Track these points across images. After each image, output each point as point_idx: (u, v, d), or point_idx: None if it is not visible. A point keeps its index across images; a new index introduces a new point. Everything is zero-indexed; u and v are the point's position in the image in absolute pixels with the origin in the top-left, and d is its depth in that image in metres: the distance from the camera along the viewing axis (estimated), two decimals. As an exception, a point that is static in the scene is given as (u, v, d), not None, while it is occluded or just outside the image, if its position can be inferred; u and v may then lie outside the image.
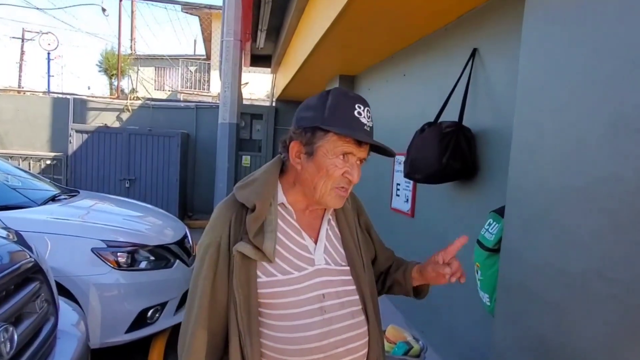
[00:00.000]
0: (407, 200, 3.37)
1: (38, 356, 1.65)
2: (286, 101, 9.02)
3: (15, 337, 1.47)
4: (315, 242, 1.23)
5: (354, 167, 1.14)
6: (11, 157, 8.39)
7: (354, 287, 1.23)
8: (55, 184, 4.74)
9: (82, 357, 1.95)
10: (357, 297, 1.23)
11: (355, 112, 1.11)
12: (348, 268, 1.24)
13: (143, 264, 3.35)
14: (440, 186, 2.75)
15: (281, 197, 1.23)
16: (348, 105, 1.12)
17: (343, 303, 1.19)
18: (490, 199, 2.35)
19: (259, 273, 1.15)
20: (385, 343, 2.14)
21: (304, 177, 1.19)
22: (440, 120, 2.58)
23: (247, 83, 15.10)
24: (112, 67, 17.08)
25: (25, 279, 1.76)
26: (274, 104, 9.87)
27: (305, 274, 1.17)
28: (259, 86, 15.77)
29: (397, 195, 3.57)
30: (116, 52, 14.27)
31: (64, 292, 2.92)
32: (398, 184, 3.56)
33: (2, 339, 1.38)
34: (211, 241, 1.20)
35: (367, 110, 1.13)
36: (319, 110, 1.13)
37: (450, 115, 2.59)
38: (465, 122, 2.47)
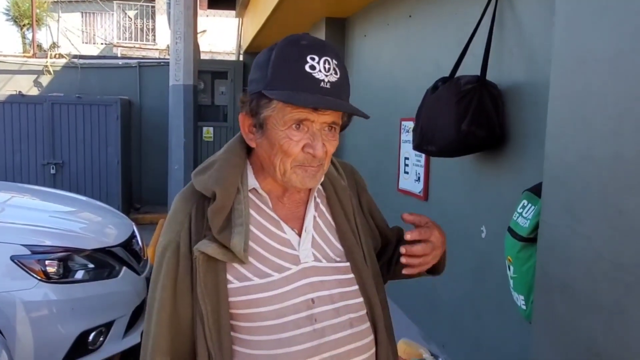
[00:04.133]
0: (419, 179, 3.40)
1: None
2: (257, 53, 8.95)
3: None
4: (300, 235, 1.24)
5: (316, 137, 1.13)
6: None
7: (354, 287, 1.25)
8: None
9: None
10: (358, 300, 1.25)
11: (307, 67, 1.09)
12: (346, 264, 1.26)
13: (79, 274, 3.36)
14: (460, 160, 2.77)
15: (252, 182, 1.25)
16: (296, 58, 1.10)
17: (338, 309, 1.21)
18: (525, 174, 2.38)
19: (229, 277, 1.17)
20: (395, 362, 2.18)
21: (262, 156, 1.20)
22: (457, 75, 2.59)
23: (204, 31, 14.89)
24: (24, 14, 16.78)
25: None
26: (241, 58, 9.79)
27: (287, 275, 1.19)
28: (222, 36, 15.58)
29: (406, 173, 3.60)
30: (28, -5, 13.95)
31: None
32: (407, 158, 3.59)
33: None
34: (168, 242, 1.21)
35: (326, 60, 1.11)
36: (263, 70, 1.13)
37: (470, 68, 2.59)
38: (489, 77, 2.48)
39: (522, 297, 1.98)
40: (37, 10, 18.58)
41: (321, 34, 5.40)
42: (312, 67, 1.09)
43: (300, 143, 1.13)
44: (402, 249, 1.18)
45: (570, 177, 1.62)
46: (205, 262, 1.15)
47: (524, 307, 1.99)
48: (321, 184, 1.30)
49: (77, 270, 3.36)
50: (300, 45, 1.12)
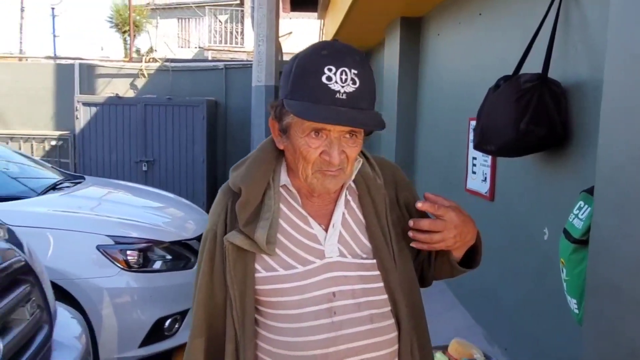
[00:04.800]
0: (485, 179, 3.34)
1: (29, 370, 1.87)
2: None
3: (1, 346, 1.67)
4: (327, 230, 1.30)
5: (333, 145, 1.18)
6: (11, 139, 9.09)
7: (379, 284, 1.29)
8: (57, 169, 5.13)
9: (81, 372, 2.16)
10: (382, 297, 1.29)
11: (323, 78, 1.12)
12: (373, 262, 1.30)
13: (158, 264, 3.59)
14: (525, 159, 2.71)
15: (284, 179, 1.32)
16: (314, 70, 1.14)
17: (360, 304, 1.26)
18: (588, 174, 2.29)
19: (257, 267, 1.26)
20: (446, 361, 2.19)
21: (288, 158, 1.27)
22: (522, 72, 2.54)
23: (289, 34, 15.23)
24: (126, 21, 17.79)
25: (13, 281, 1.97)
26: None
27: (311, 268, 1.25)
28: (305, 37, 15.85)
29: (474, 173, 3.55)
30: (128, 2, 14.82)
31: (67, 297, 3.21)
32: (474, 158, 3.53)
33: (-14, 349, 1.59)
34: (208, 232, 1.33)
35: (343, 71, 1.13)
36: (286, 79, 1.19)
37: (537, 65, 2.53)
38: (553, 74, 2.41)
39: (574, 301, 1.93)
40: (137, 17, 19.73)
41: (396, 34, 5.40)
42: (329, 79, 1.13)
43: (318, 150, 1.19)
44: (410, 222, 1.21)
45: (619, 177, 1.57)
46: (235, 252, 1.25)
47: (576, 310, 1.93)
48: (354, 182, 1.35)
49: (155, 261, 3.60)
50: (320, 56, 1.16)
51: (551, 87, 2.36)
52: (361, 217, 1.34)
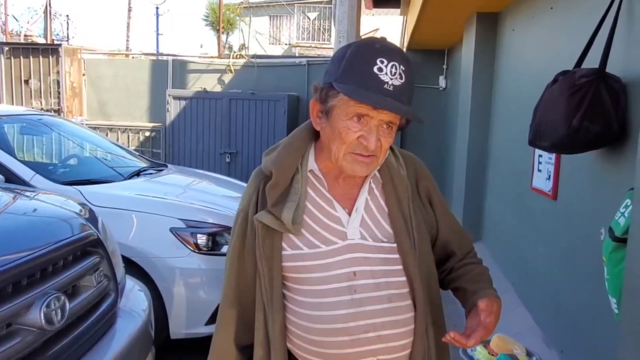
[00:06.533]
0: (549, 177, 3.25)
1: (94, 330, 2.08)
2: (417, 50, 8.97)
3: (67, 307, 1.89)
4: (350, 214, 1.38)
5: (372, 132, 1.26)
6: (110, 129, 9.79)
7: (398, 267, 1.37)
8: (145, 157, 5.50)
9: (141, 339, 2.36)
10: (401, 279, 1.36)
11: (375, 68, 1.21)
12: (393, 245, 1.37)
13: (225, 248, 3.78)
14: (589, 157, 2.63)
15: (312, 164, 1.41)
16: (367, 59, 1.23)
17: (379, 284, 1.34)
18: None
19: (284, 245, 1.36)
20: (486, 354, 2.19)
21: (323, 139, 1.36)
22: (584, 67, 2.47)
23: (377, 29, 15.21)
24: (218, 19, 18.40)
25: (84, 252, 2.20)
26: (404, 55, 9.85)
27: (334, 248, 1.35)
28: (392, 33, 15.77)
29: (539, 171, 3.46)
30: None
31: (143, 274, 3.47)
32: (540, 156, 3.44)
33: (53, 307, 1.80)
34: (240, 210, 1.46)
35: (394, 65, 1.22)
36: (337, 64, 1.28)
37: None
38: (613, 70, 2.33)
39: (614, 300, 1.88)
40: (231, 15, 20.41)
41: (472, 30, 5.32)
42: (380, 69, 1.22)
43: (357, 134, 1.27)
44: (450, 336, 1.26)
45: (656, 174, 1.53)
46: (264, 230, 1.36)
47: (616, 310, 1.88)
48: (378, 172, 1.42)
49: (224, 245, 3.79)
50: (373, 48, 1.25)
51: (609, 82, 2.28)
52: (384, 204, 1.42)
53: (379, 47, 1.24)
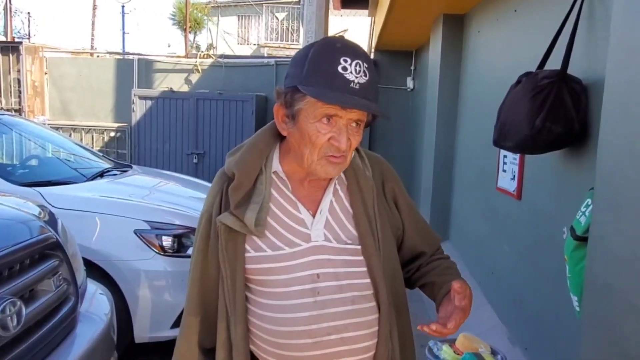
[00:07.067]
0: (514, 177, 3.30)
1: (52, 336, 2.02)
2: (385, 51, 9.02)
3: (24, 312, 1.82)
4: (314, 216, 1.36)
5: (342, 132, 1.24)
6: (74, 130, 9.57)
7: (362, 269, 1.35)
8: (108, 158, 5.39)
9: (103, 344, 2.31)
10: (365, 281, 1.35)
11: (339, 68, 1.20)
12: (357, 247, 1.36)
13: (191, 250, 3.72)
14: (552, 158, 2.67)
15: (276, 165, 1.39)
16: (330, 59, 1.21)
17: (342, 286, 1.32)
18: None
19: (247, 247, 1.34)
20: (451, 353, 2.20)
21: (292, 144, 1.33)
22: (546, 68, 2.51)
23: (345, 30, 15.26)
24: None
25: (43, 256, 2.13)
26: (372, 56, 9.92)
27: (297, 250, 1.33)
28: (360, 34, 15.84)
29: (504, 171, 3.51)
30: None
31: (106, 278, 3.40)
32: (505, 156, 3.49)
33: (9, 313, 1.73)
34: (204, 212, 1.42)
35: (357, 63, 1.21)
36: (299, 67, 1.25)
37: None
38: (575, 71, 2.37)
39: (575, 298, 1.91)
40: (198, 14, 20.20)
41: (439, 31, 5.37)
42: (344, 69, 1.20)
43: (327, 135, 1.25)
44: (432, 328, 1.27)
45: (616, 174, 1.56)
46: (227, 232, 1.33)
47: (577, 308, 1.92)
48: (344, 173, 1.41)
49: (189, 246, 3.73)
50: (335, 47, 1.23)
51: (570, 84, 2.32)
52: (348, 206, 1.40)
53: (340, 47, 1.23)
